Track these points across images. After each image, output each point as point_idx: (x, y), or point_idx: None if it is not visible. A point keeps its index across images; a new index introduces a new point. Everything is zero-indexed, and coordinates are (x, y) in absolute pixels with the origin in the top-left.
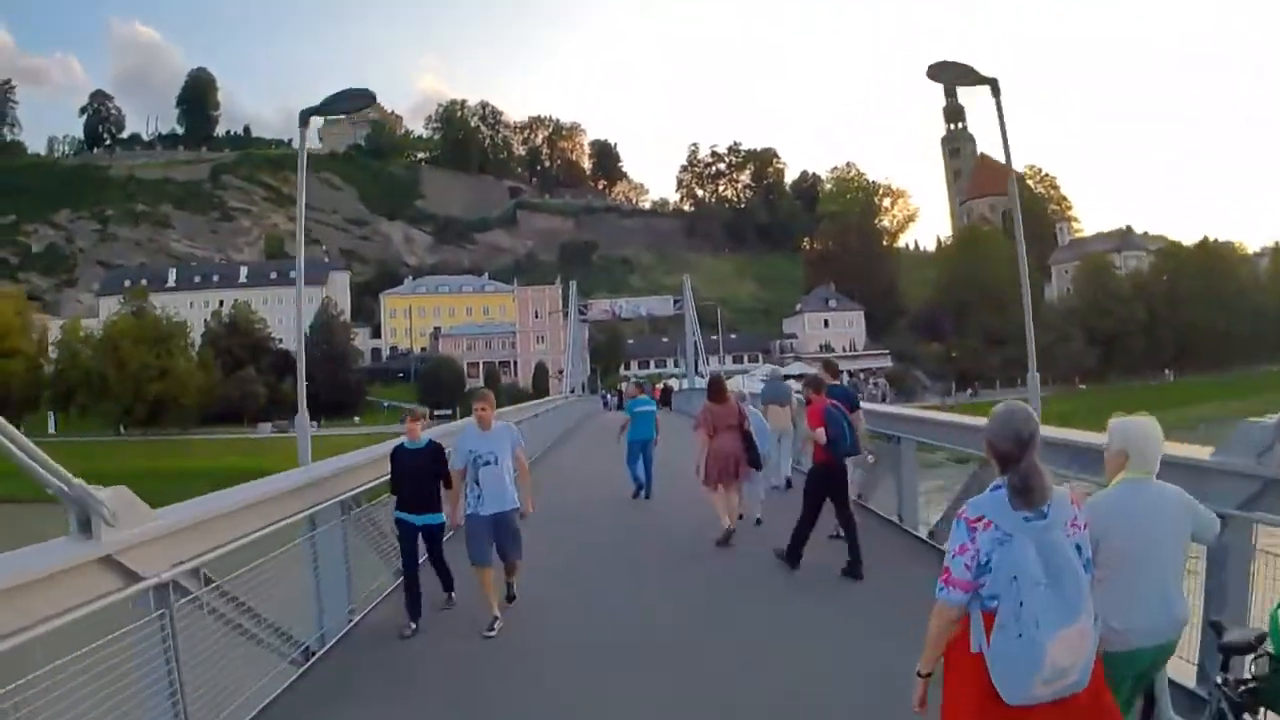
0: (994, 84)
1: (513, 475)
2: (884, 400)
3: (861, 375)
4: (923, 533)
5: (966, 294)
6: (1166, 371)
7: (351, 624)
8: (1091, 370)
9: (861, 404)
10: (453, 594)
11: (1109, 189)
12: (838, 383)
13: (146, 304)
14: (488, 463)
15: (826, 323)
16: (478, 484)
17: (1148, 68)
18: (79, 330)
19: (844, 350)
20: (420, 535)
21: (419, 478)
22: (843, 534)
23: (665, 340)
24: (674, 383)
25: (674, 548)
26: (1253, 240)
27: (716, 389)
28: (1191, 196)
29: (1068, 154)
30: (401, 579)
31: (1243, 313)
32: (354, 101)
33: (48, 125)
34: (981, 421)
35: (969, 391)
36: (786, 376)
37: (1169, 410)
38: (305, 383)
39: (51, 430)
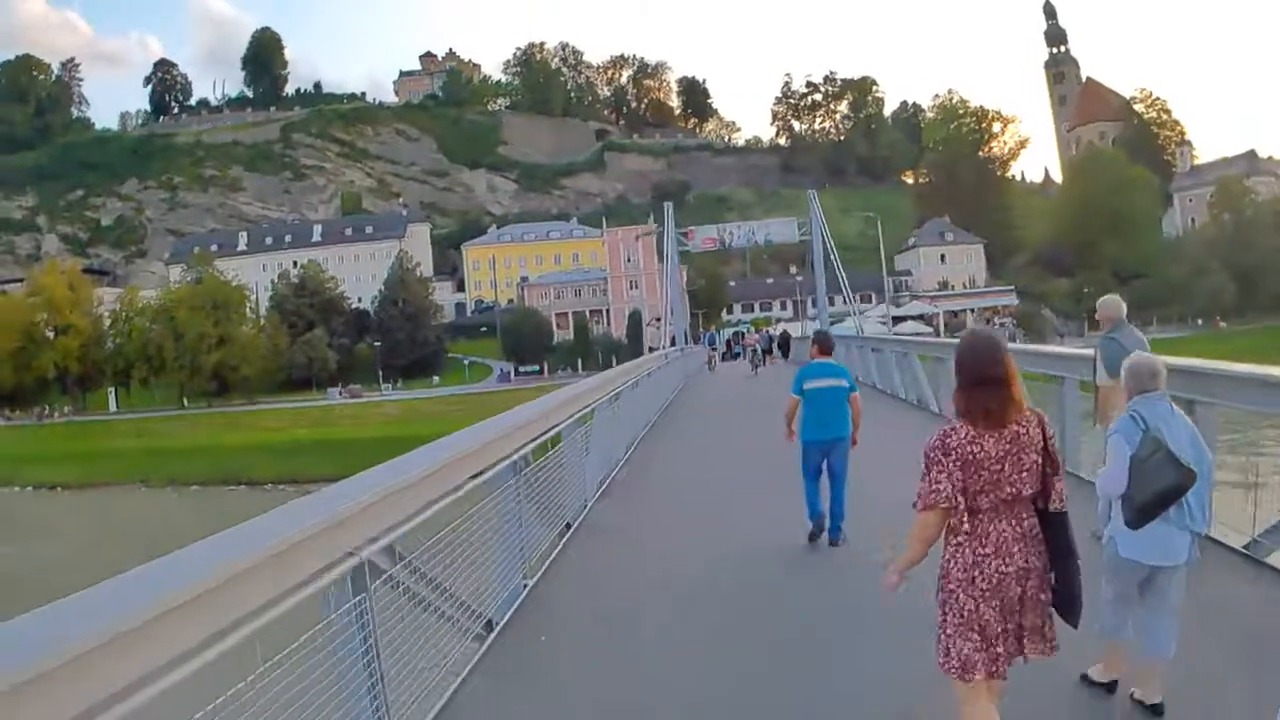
0: None
1: None
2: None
3: (987, 314)
4: None
5: (1091, 225)
6: None
7: (526, 590)
8: (1230, 307)
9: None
10: None
11: (1223, 113)
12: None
13: (212, 269)
14: None
15: (944, 258)
16: None
17: None
18: (137, 301)
19: (964, 287)
20: None
21: None
22: None
23: (770, 281)
24: (790, 328)
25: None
26: None
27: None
28: None
29: (1177, 78)
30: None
31: None
32: None
33: (127, 104)
34: None
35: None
36: (899, 319)
37: None
38: (379, 343)
39: (113, 408)
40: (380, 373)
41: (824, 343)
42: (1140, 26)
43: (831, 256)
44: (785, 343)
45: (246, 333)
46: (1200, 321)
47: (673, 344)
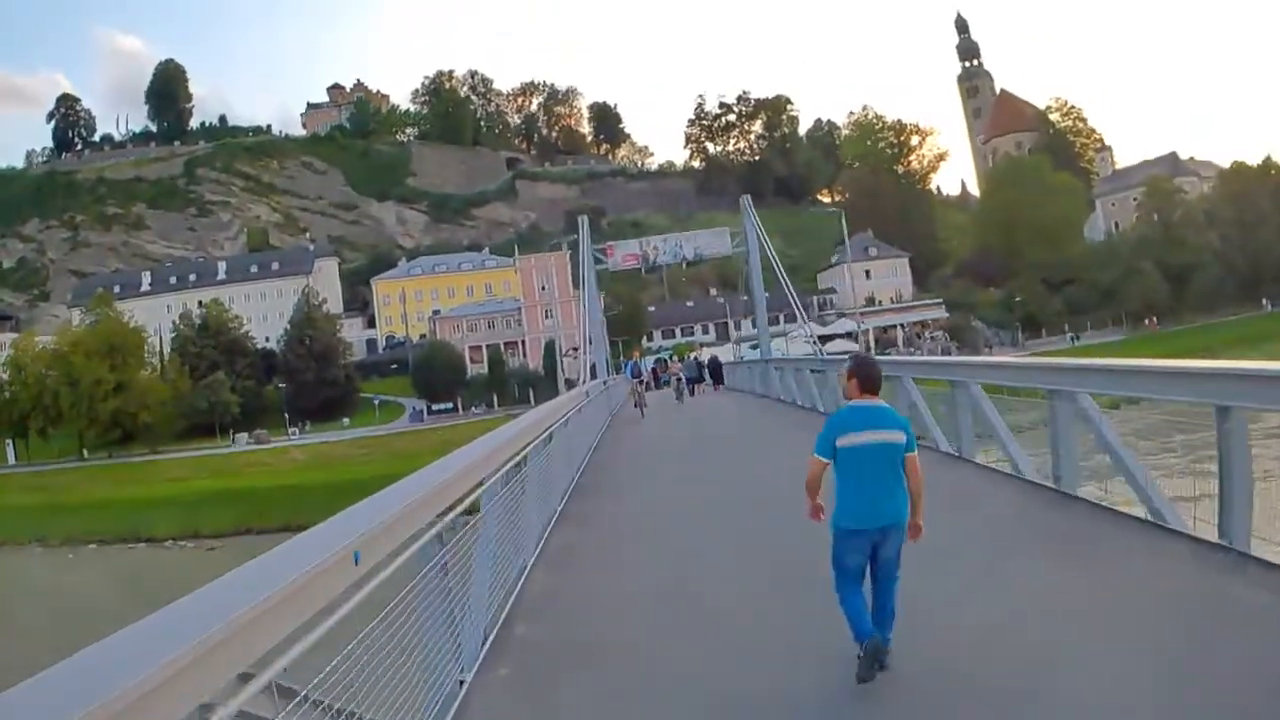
0: None
1: None
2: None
3: (917, 329)
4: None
5: (1017, 233)
6: (1265, 302)
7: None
8: (1164, 307)
9: None
10: None
11: (1137, 120)
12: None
13: (111, 311)
14: None
15: (869, 274)
16: None
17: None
18: (33, 347)
19: (891, 302)
20: None
21: None
22: None
23: (691, 305)
24: (721, 351)
25: None
26: None
27: None
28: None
29: (1091, 86)
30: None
31: None
32: None
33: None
34: None
35: (1071, 337)
36: (826, 338)
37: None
38: (286, 384)
39: (12, 460)
40: (287, 416)
41: (866, 374)
42: (1052, 38)
43: (775, 267)
44: (716, 369)
45: (145, 378)
46: (1149, 323)
47: (594, 375)
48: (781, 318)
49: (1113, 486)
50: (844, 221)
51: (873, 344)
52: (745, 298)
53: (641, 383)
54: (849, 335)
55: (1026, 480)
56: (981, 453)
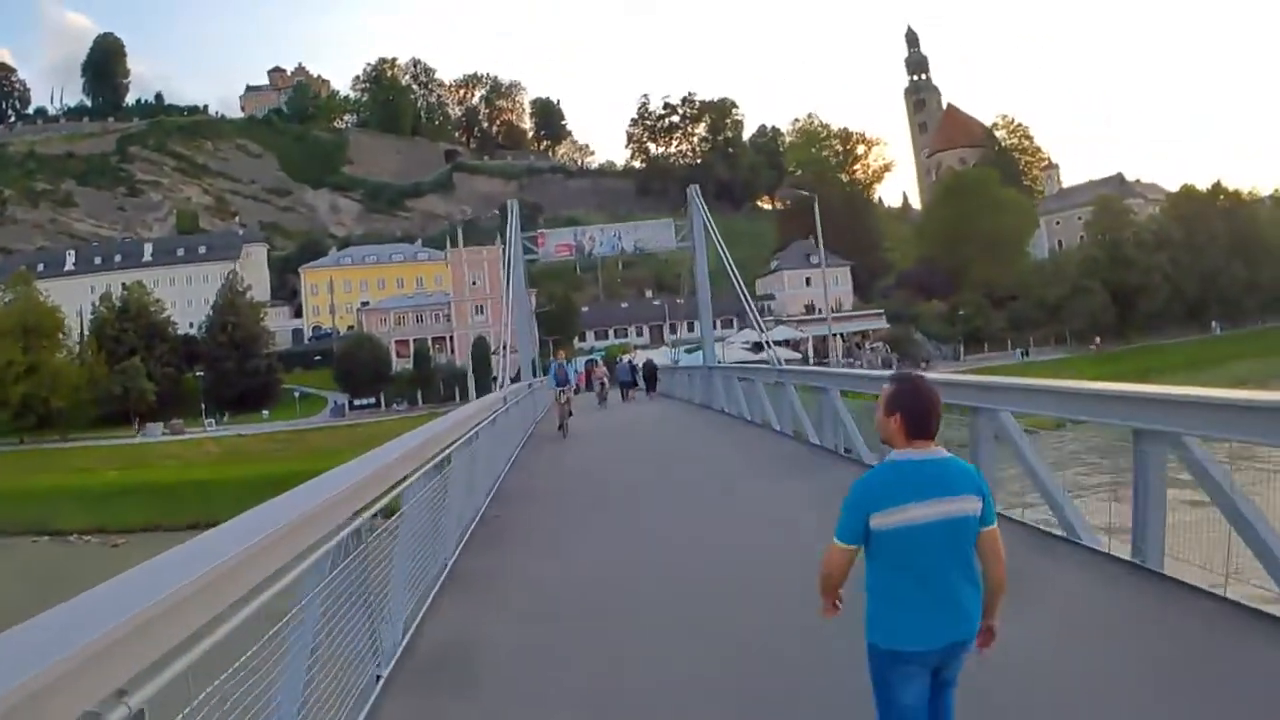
0: None
1: None
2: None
3: (857, 339)
4: None
5: (962, 246)
6: (1214, 325)
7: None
8: (1109, 327)
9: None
10: None
11: (1080, 140)
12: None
13: (31, 291)
14: None
15: (809, 281)
16: None
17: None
18: None
19: (831, 311)
20: None
21: None
22: None
23: (625, 306)
24: (655, 355)
25: None
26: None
27: None
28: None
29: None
30: None
31: (1271, 261)
32: None
33: None
34: None
35: (1020, 352)
36: (760, 345)
37: (1215, 368)
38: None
39: None
40: (204, 406)
41: (919, 408)
42: (1001, 56)
43: (726, 263)
44: (650, 373)
45: (59, 361)
46: (1095, 343)
47: (515, 379)
48: (719, 323)
49: (1031, 503)
50: (817, 216)
51: (811, 353)
52: (681, 301)
53: (567, 391)
54: (788, 343)
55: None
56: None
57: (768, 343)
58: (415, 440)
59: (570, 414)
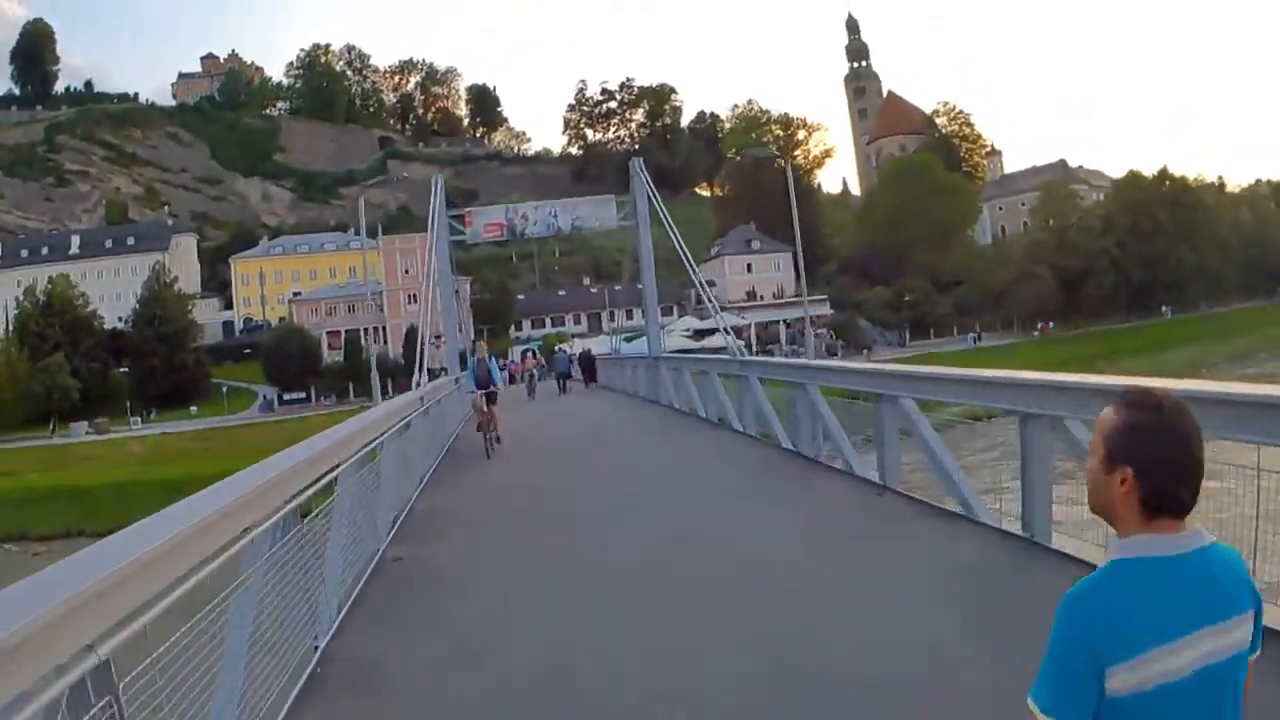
0: None
1: None
2: (835, 355)
3: (800, 326)
4: None
5: (905, 232)
6: (1164, 309)
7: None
8: (1054, 313)
9: None
10: None
11: (1020, 128)
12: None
13: None
14: None
15: (750, 267)
16: None
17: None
18: None
19: (773, 297)
20: None
21: None
22: None
23: (563, 294)
24: (594, 344)
25: None
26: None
27: None
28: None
29: (979, 94)
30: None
31: (1217, 247)
32: None
33: None
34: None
35: (973, 337)
36: (705, 332)
37: (1165, 352)
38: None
39: None
40: (130, 404)
41: (1176, 464)
42: (941, 44)
43: (675, 241)
44: (589, 364)
45: None
46: (1041, 328)
47: (436, 373)
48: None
49: (930, 481)
50: (717, 215)
51: (754, 340)
52: (619, 288)
53: (489, 395)
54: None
55: (858, 478)
56: (826, 453)
57: (726, 329)
58: (298, 456)
59: (496, 432)
